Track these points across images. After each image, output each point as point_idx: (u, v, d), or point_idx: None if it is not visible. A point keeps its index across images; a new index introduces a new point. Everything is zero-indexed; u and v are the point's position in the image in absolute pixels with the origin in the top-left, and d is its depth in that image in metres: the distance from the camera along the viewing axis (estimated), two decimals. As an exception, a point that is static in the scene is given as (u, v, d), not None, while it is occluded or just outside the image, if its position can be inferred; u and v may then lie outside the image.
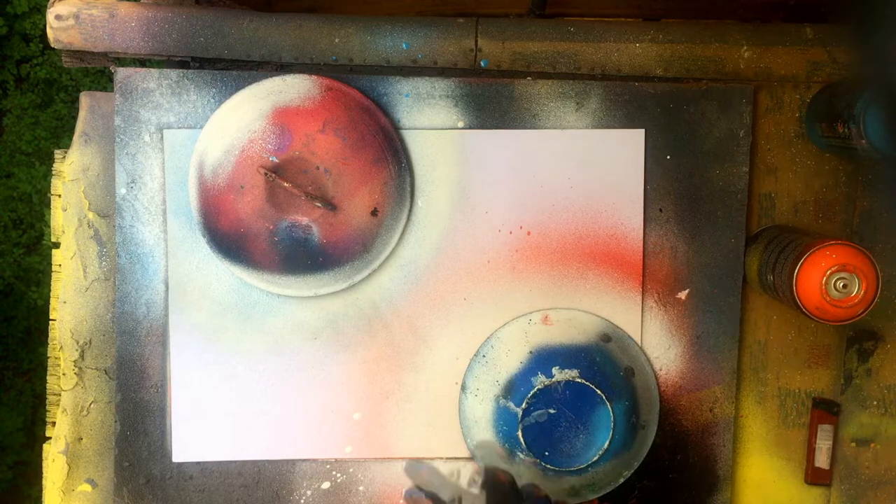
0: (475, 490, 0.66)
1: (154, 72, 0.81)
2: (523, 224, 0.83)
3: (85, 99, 0.83)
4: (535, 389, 0.78)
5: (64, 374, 0.84)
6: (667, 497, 0.84)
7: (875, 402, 0.86)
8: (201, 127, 0.80)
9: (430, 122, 0.82)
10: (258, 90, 0.79)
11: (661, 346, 0.84)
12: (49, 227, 0.88)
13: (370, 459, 0.84)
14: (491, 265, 0.83)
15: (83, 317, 0.84)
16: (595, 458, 0.79)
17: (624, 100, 0.82)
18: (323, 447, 0.83)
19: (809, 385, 0.86)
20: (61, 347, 0.84)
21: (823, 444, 0.85)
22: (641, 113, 0.83)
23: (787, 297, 0.76)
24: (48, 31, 0.81)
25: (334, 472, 0.84)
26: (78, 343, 0.83)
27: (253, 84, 0.80)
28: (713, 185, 0.83)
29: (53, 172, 0.84)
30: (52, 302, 0.84)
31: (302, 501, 0.83)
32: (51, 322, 0.84)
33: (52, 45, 0.81)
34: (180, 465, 0.83)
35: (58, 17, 0.81)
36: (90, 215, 0.83)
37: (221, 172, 0.80)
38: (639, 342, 0.83)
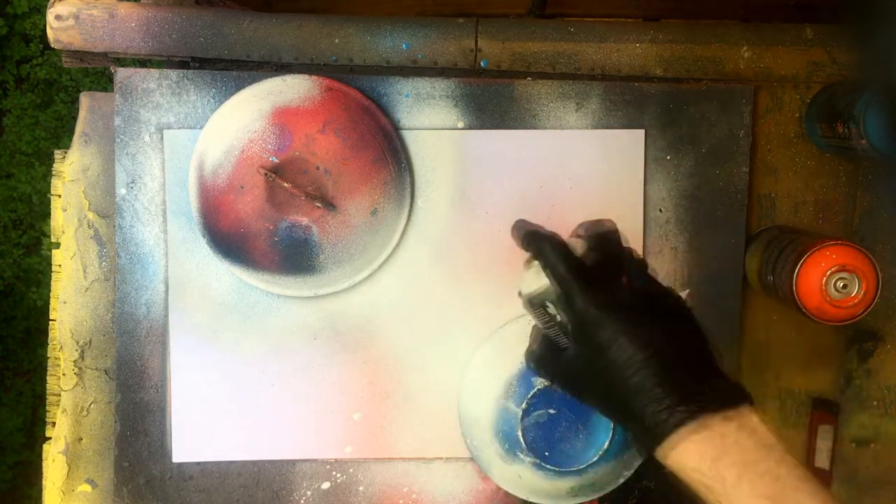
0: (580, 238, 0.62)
1: (154, 72, 0.81)
2: (523, 224, 0.83)
3: (85, 99, 0.83)
4: (535, 390, 0.78)
5: (64, 375, 0.84)
6: (667, 497, 0.84)
7: (875, 403, 0.86)
8: (201, 127, 0.80)
9: (430, 122, 0.82)
10: (258, 90, 0.79)
11: (661, 347, 0.84)
12: (49, 227, 0.88)
13: (370, 459, 0.84)
14: (491, 265, 0.83)
15: (83, 317, 0.84)
16: (595, 459, 0.79)
17: (624, 100, 0.82)
18: (323, 447, 0.83)
19: (809, 385, 0.86)
20: (61, 348, 0.84)
21: (823, 445, 0.85)
22: (641, 113, 0.82)
23: (787, 298, 0.76)
24: (48, 31, 0.81)
25: (334, 472, 0.84)
26: (78, 343, 0.83)
27: (253, 84, 0.80)
28: (713, 185, 0.83)
29: (53, 173, 0.84)
30: (52, 302, 0.84)
31: (302, 501, 0.83)
32: (51, 322, 0.84)
33: (52, 46, 0.81)
34: (180, 465, 0.83)
35: (58, 18, 0.81)
36: (90, 215, 0.83)
37: (221, 173, 0.80)
38: (639, 342, 0.83)
